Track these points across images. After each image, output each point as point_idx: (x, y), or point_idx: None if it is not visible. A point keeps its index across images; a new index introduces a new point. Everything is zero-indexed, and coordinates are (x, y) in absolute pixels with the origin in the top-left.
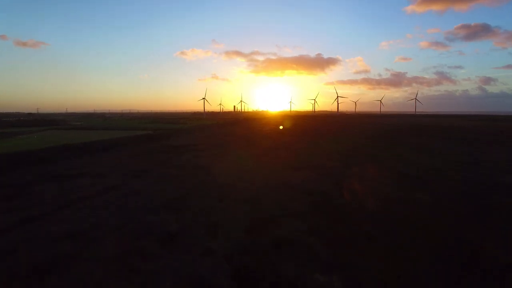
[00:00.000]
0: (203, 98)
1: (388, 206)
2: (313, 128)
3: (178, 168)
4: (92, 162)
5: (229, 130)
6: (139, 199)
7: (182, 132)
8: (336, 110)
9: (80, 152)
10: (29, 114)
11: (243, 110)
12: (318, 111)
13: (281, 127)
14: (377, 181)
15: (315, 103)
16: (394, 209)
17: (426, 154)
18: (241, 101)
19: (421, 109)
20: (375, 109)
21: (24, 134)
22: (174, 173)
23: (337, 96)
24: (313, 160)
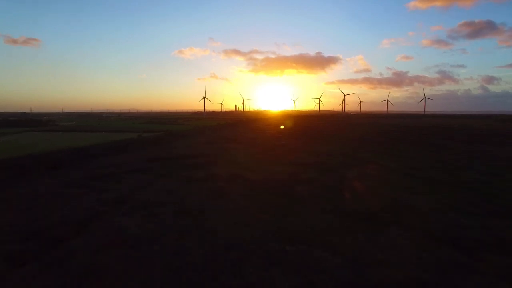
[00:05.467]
0: (204, 97)
1: None
2: (332, 132)
3: (146, 217)
4: None
5: (232, 133)
6: None
7: (175, 136)
8: (339, 109)
9: (6, 176)
10: (23, 113)
11: (244, 110)
12: (322, 110)
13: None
14: None
15: (320, 102)
16: None
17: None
18: (243, 100)
19: (422, 109)
20: (377, 108)
21: None
22: (136, 231)
23: (344, 96)
24: (377, 189)
